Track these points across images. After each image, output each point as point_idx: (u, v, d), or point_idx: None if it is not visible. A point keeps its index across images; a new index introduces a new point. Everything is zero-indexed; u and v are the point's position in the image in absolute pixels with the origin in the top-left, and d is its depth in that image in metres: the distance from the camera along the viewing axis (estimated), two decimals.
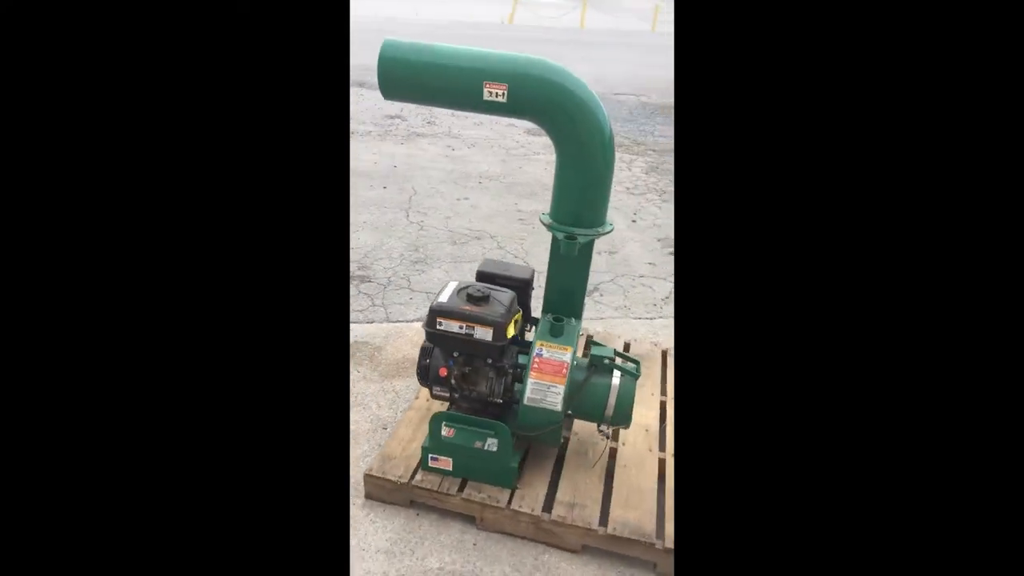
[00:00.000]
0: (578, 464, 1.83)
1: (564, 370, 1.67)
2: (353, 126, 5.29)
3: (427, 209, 3.80)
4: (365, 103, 6.05)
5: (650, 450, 1.90)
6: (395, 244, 3.34)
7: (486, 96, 1.53)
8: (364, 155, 4.66)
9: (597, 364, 1.73)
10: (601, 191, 1.67)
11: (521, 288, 1.85)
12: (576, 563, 1.63)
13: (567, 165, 1.62)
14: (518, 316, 1.77)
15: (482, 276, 1.89)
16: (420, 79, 1.56)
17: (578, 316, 1.81)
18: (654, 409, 2.07)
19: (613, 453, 1.88)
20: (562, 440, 1.89)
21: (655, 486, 1.76)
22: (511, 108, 1.54)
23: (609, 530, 1.60)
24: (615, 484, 1.77)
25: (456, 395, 1.80)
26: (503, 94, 1.52)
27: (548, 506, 1.68)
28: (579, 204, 1.66)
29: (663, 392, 2.17)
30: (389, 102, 1.86)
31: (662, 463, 1.85)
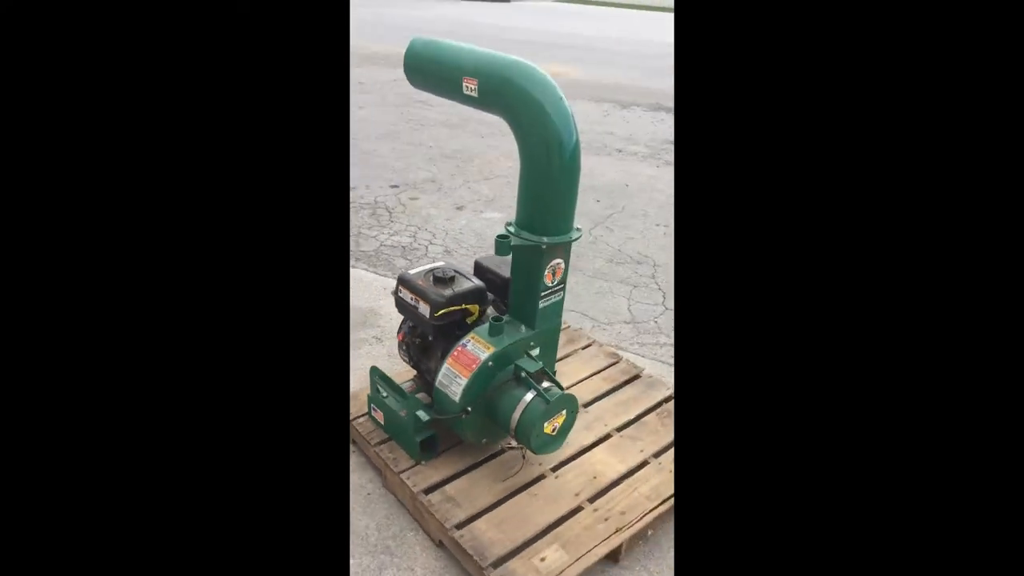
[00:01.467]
0: (496, 472, 1.79)
1: (474, 365, 1.66)
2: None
3: None
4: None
5: (577, 494, 1.72)
6: None
7: (464, 90, 1.63)
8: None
9: (517, 375, 1.67)
10: (553, 198, 1.61)
11: (503, 286, 1.87)
12: (428, 553, 1.63)
13: (522, 165, 1.61)
14: (474, 307, 1.82)
15: (477, 268, 1.97)
16: (424, 70, 1.74)
17: (530, 324, 1.76)
18: (627, 463, 1.84)
19: (540, 478, 1.77)
20: (501, 447, 1.86)
21: (545, 523, 1.62)
22: (481, 102, 1.61)
23: (457, 535, 1.56)
24: (508, 503, 1.68)
25: (409, 361, 1.94)
26: (475, 88, 1.60)
27: (431, 490, 1.71)
28: (527, 206, 1.63)
29: (657, 456, 1.89)
30: None
31: (576, 509, 1.67)
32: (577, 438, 1.92)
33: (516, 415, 1.64)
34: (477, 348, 1.70)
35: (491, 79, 1.56)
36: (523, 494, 1.72)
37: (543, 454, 1.74)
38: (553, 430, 1.69)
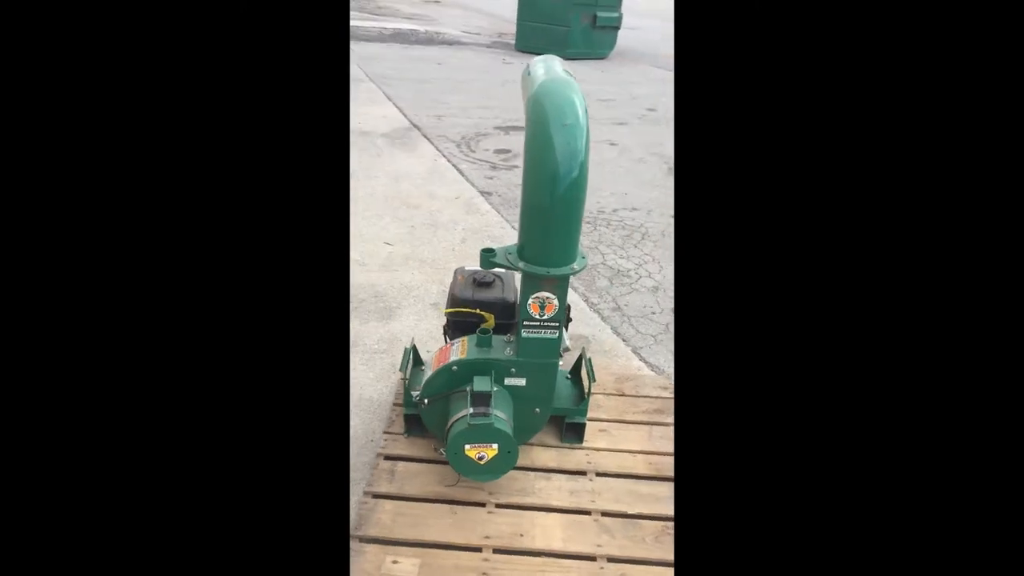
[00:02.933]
0: (451, 476, 1.78)
1: (442, 363, 1.70)
2: None
3: None
4: None
5: (487, 538, 1.60)
6: None
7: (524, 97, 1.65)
8: None
9: (468, 388, 1.63)
10: (538, 226, 1.50)
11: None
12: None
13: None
14: (490, 316, 1.82)
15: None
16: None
17: (516, 350, 1.67)
18: (570, 547, 1.59)
19: (478, 504, 1.70)
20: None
21: (435, 539, 1.57)
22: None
23: (364, 500, 1.66)
24: (427, 503, 1.69)
25: None
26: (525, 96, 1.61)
27: (389, 458, 1.83)
28: (522, 227, 1.54)
29: (613, 562, 1.57)
30: None
31: (473, 549, 1.56)
32: (556, 494, 1.74)
33: (448, 424, 1.63)
34: (455, 350, 1.72)
35: (528, 87, 1.55)
36: (446, 506, 1.69)
37: (469, 478, 1.67)
38: (480, 458, 1.61)
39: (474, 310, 1.82)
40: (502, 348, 1.71)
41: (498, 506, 1.72)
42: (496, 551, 1.58)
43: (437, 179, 4.56)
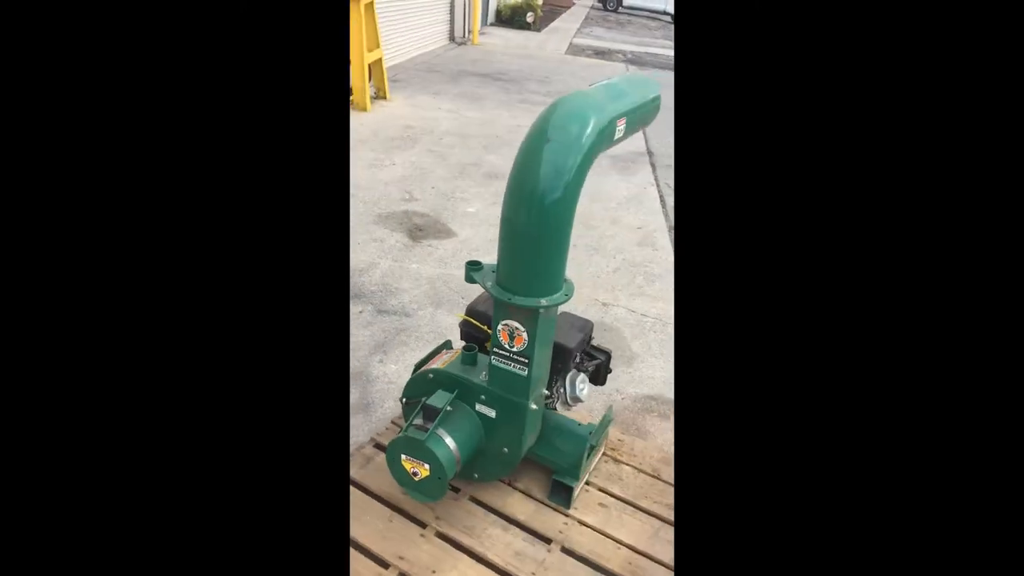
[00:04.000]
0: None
1: (426, 367, 1.63)
2: None
3: None
4: None
5: (401, 559, 1.49)
6: None
7: None
8: None
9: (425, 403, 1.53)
10: (510, 247, 1.34)
11: None
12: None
13: None
14: None
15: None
16: None
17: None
18: (494, 558, 1.40)
19: (419, 523, 1.60)
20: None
21: (355, 534, 1.53)
22: None
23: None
24: (377, 499, 1.64)
25: None
26: None
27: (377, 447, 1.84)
28: (499, 248, 1.38)
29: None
30: None
31: (381, 563, 1.47)
32: (501, 549, 1.56)
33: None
34: (447, 358, 1.64)
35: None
36: (389, 511, 1.63)
37: (404, 489, 1.56)
38: (413, 474, 1.51)
39: (483, 326, 1.72)
40: (480, 370, 1.58)
41: (436, 534, 1.60)
42: (400, 574, 1.48)
43: (634, 205, 4.38)
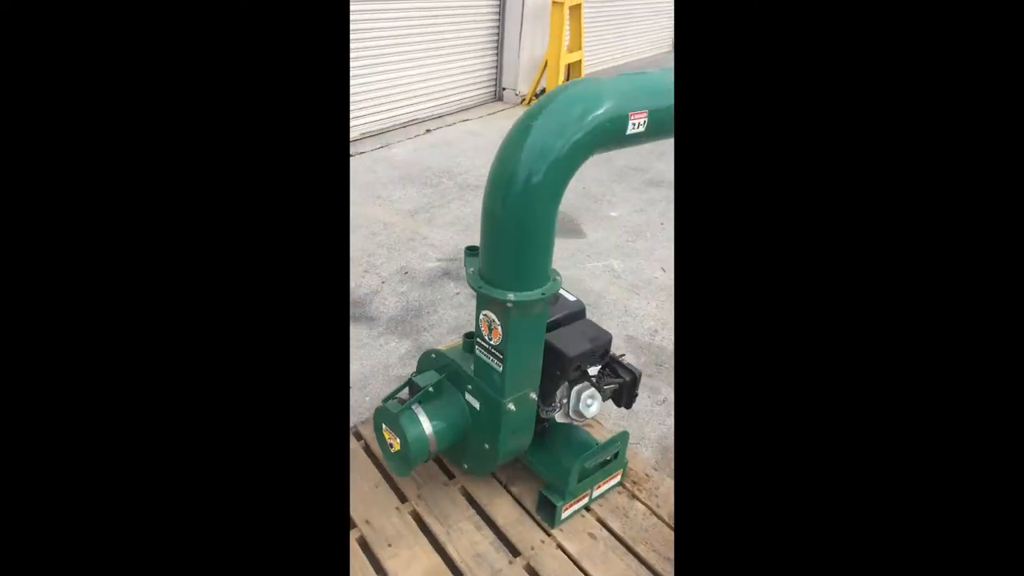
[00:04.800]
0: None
1: (433, 348, 1.63)
2: None
3: None
4: None
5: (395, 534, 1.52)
6: None
7: None
8: None
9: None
10: (486, 235, 1.27)
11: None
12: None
13: None
14: None
15: None
16: None
17: None
18: (452, 552, 1.38)
19: (392, 508, 1.62)
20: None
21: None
22: None
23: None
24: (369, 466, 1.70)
25: None
26: None
27: None
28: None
29: None
30: None
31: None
32: (464, 545, 1.51)
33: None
34: (450, 345, 1.63)
35: None
36: (379, 475, 1.67)
37: (384, 459, 1.58)
38: (390, 445, 1.52)
39: None
40: (470, 361, 1.53)
41: (411, 511, 1.60)
42: (360, 540, 1.51)
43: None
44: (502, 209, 1.21)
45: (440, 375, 1.55)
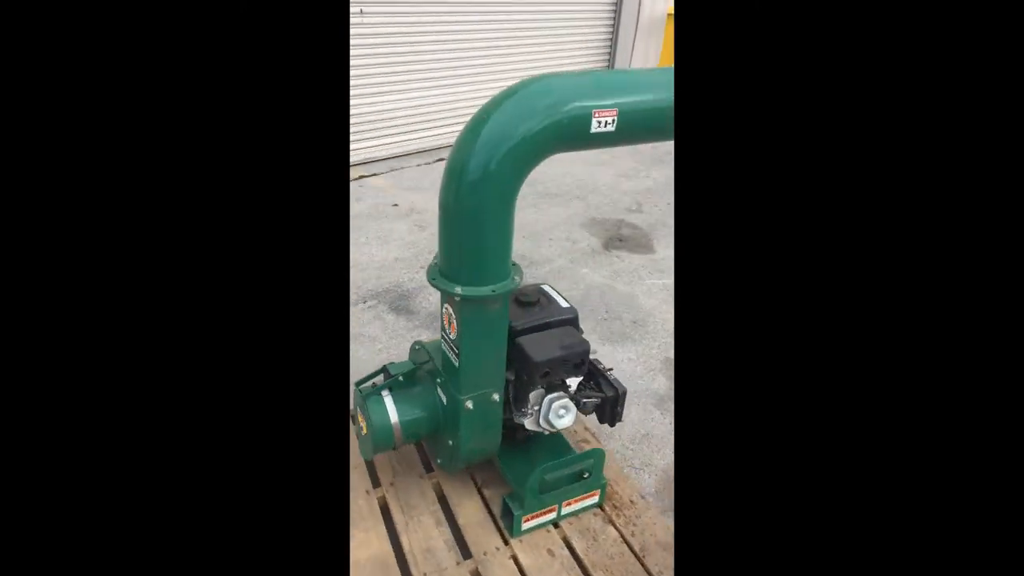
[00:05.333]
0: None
1: (418, 340, 1.64)
2: None
3: None
4: None
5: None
6: None
7: None
8: None
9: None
10: (441, 228, 1.26)
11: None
12: None
13: None
14: None
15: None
16: None
17: None
18: (404, 542, 1.40)
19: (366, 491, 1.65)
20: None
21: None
22: None
23: None
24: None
25: None
26: None
27: None
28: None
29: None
30: None
31: None
32: (418, 533, 1.51)
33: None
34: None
35: None
36: (364, 462, 1.71)
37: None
38: (361, 428, 1.55)
39: None
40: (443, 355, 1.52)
41: (379, 497, 1.62)
42: None
43: None
44: (454, 200, 1.20)
45: (413, 365, 1.56)
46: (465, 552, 1.50)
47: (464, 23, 5.03)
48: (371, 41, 4.51)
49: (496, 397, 1.45)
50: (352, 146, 4.65)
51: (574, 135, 1.18)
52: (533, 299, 1.63)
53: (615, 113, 1.19)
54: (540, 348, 1.45)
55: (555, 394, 1.51)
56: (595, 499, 1.62)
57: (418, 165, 4.84)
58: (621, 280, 3.15)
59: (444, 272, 1.29)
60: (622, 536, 1.56)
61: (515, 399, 1.53)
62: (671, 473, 1.92)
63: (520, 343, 1.46)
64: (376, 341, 2.54)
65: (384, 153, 4.88)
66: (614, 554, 1.52)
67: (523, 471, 1.56)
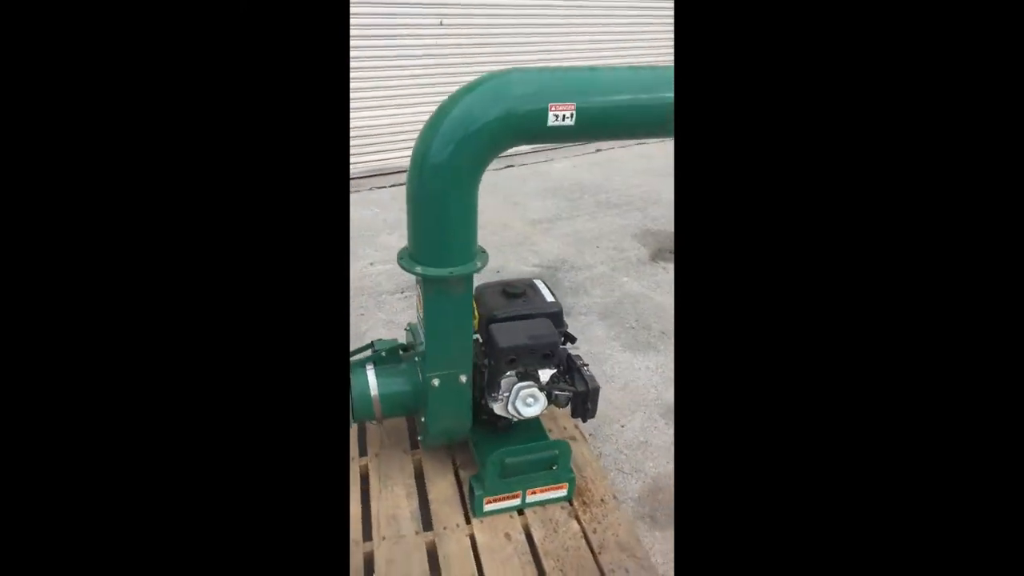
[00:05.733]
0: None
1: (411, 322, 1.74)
2: None
3: None
4: None
5: None
6: None
7: None
8: None
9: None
10: (410, 214, 1.34)
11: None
12: None
13: None
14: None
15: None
16: None
17: None
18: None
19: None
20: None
21: None
22: None
23: None
24: None
25: None
26: None
27: None
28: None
29: None
30: None
31: None
32: (388, 502, 1.60)
33: None
34: None
35: None
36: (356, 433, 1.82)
37: None
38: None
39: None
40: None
41: (360, 466, 1.73)
42: None
43: None
44: (417, 185, 1.29)
45: (397, 343, 1.66)
46: (428, 525, 1.58)
47: (533, 32, 5.16)
48: (447, 52, 4.74)
49: (463, 379, 1.51)
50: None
51: (531, 127, 1.23)
52: (519, 291, 1.68)
53: (573, 108, 1.23)
54: (508, 335, 1.50)
55: (524, 383, 1.56)
56: (563, 492, 1.64)
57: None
58: (660, 291, 3.10)
59: (411, 254, 1.38)
60: (583, 531, 1.57)
61: (488, 384, 1.59)
62: (660, 482, 1.89)
63: (491, 329, 1.52)
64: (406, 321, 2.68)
65: None
66: (570, 547, 1.53)
67: (479, 449, 1.62)
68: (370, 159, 4.78)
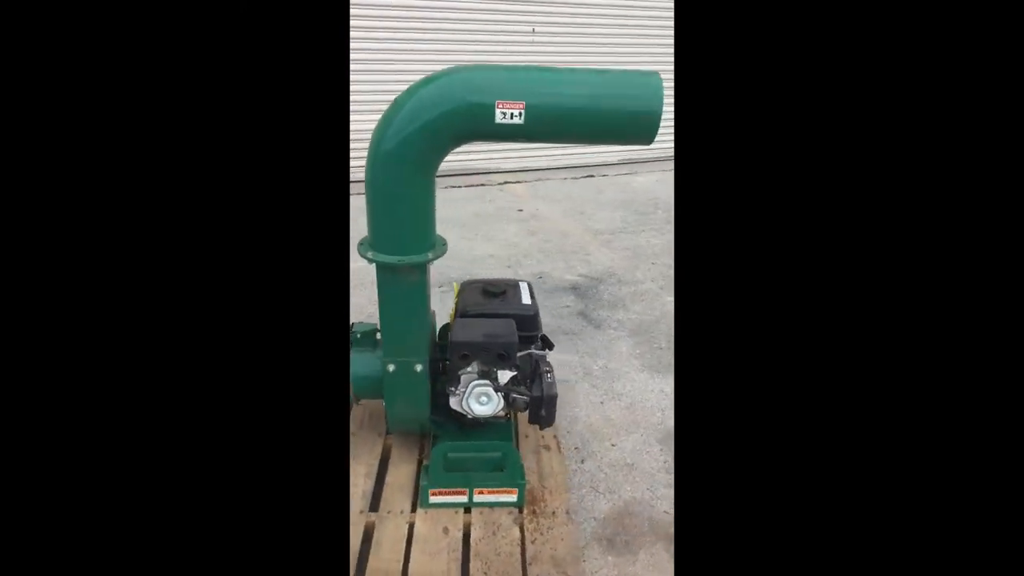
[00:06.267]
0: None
1: None
2: None
3: None
4: None
5: None
6: None
7: None
8: None
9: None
10: (367, 202, 1.38)
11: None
12: None
13: None
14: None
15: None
16: None
17: None
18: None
19: None
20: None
21: None
22: None
23: None
24: None
25: None
26: None
27: None
28: None
29: None
30: None
31: None
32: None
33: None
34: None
35: None
36: None
37: None
38: None
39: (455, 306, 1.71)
40: None
41: None
42: None
43: None
44: (371, 173, 1.34)
45: (375, 327, 1.72)
46: (375, 506, 1.62)
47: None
48: (540, 59, 4.78)
49: (419, 368, 1.54)
50: (501, 155, 4.96)
51: (478, 123, 1.24)
52: (500, 291, 1.69)
53: (522, 106, 1.22)
54: (465, 331, 1.51)
55: (480, 380, 1.55)
56: (513, 498, 1.61)
57: (563, 179, 4.99)
58: None
59: (369, 241, 1.43)
60: (521, 540, 1.54)
61: (449, 378, 1.61)
62: (632, 507, 1.80)
63: (455, 323, 1.54)
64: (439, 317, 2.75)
65: (533, 164, 5.11)
66: (503, 552, 1.50)
67: (436, 438, 1.63)
68: None
